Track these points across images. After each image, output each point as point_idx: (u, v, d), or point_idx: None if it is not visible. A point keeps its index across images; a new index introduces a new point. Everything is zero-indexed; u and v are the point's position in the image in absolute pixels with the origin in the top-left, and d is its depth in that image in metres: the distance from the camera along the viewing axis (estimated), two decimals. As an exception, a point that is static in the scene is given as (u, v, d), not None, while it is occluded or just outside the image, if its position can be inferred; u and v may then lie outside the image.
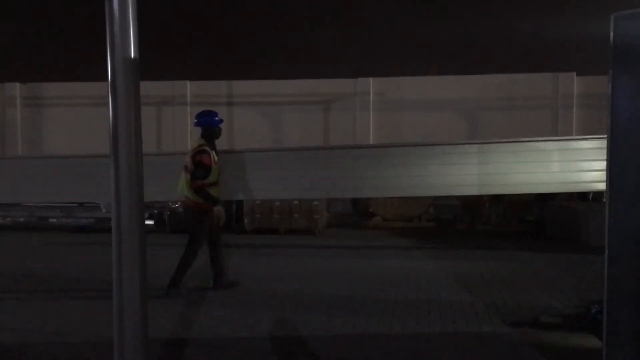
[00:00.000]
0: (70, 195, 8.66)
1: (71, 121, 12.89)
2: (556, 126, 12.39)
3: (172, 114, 12.84)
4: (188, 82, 12.77)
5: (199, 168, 6.24)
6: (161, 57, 9.16)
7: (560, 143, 7.79)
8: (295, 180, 7.68)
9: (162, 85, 12.08)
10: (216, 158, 6.45)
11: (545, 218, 10.88)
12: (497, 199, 11.43)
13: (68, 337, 4.99)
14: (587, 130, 10.22)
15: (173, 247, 9.28)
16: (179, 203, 7.72)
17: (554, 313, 5.34)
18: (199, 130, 6.69)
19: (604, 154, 2.63)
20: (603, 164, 2.63)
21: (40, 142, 13.30)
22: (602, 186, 3.90)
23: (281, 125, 12.82)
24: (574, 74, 11.37)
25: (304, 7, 7.08)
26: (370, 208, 11.68)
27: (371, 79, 12.44)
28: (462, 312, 5.51)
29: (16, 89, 13.22)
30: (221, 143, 12.15)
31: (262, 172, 7.78)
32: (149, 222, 9.97)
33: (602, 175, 2.73)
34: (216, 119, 6.62)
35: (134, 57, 3.14)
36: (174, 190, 6.70)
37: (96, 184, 8.07)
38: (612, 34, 2.53)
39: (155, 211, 10.77)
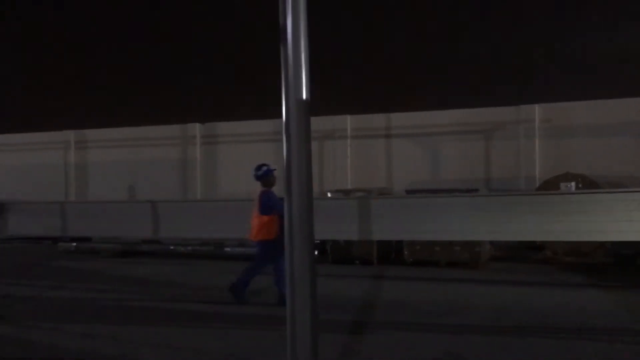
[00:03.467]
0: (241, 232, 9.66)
1: (242, 156, 13.96)
2: None
3: (333, 148, 13.34)
4: (348, 116, 13.21)
5: None
6: (325, 94, 9.66)
7: None
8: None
9: (323, 119, 12.65)
10: None
11: None
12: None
13: None
14: None
15: (334, 277, 9.61)
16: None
17: None
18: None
19: None
20: None
21: (216, 177, 14.57)
22: None
23: (440, 156, 12.68)
24: None
25: (461, 37, 7.04)
26: (538, 241, 10.99)
27: (537, 105, 11.86)
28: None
29: (196, 128, 14.70)
30: (379, 175, 12.33)
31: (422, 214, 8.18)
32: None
33: None
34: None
35: (306, 98, 3.38)
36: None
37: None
38: None
39: (318, 241, 11.18)
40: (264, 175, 7.62)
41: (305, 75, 3.37)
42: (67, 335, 6.33)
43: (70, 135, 15.87)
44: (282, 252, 3.56)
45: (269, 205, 7.41)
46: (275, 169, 7.61)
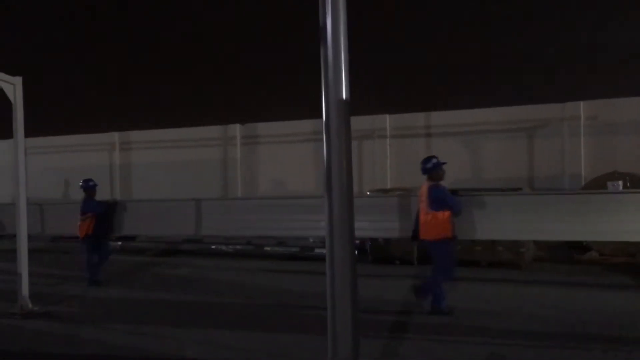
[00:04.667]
0: (284, 230, 9.94)
1: (280, 156, 14.07)
2: None
3: (373, 147, 13.29)
4: (387, 116, 13.15)
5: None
6: (364, 94, 9.65)
7: None
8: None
9: (363, 119, 12.62)
10: None
11: None
12: None
13: (281, 357, 5.39)
14: None
15: (373, 276, 9.57)
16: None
17: None
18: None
19: None
20: None
21: (256, 176, 14.73)
22: None
23: (481, 155, 12.48)
24: None
25: (502, 35, 6.92)
26: (584, 242, 10.69)
27: (582, 102, 11.54)
28: None
29: (236, 129, 14.89)
30: (419, 172, 12.27)
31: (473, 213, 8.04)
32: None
33: None
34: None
35: (346, 97, 3.38)
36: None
37: (304, 220, 9.00)
38: None
39: (357, 241, 11.16)
40: (433, 168, 7.09)
41: (345, 74, 3.38)
42: (118, 333, 6.51)
43: (114, 137, 16.30)
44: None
45: (441, 198, 6.92)
46: (445, 162, 7.22)
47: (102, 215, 9.75)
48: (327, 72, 3.37)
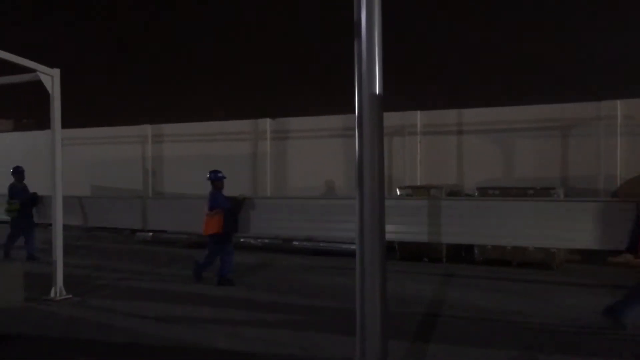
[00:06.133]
0: (312, 230, 10.24)
1: (310, 151, 14.08)
2: None
3: (403, 144, 13.20)
4: (418, 112, 13.04)
5: None
6: (396, 89, 9.59)
7: None
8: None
9: (393, 115, 12.53)
10: None
11: None
12: None
13: (309, 350, 5.42)
14: None
15: (402, 273, 9.53)
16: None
17: None
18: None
19: None
20: None
21: (285, 171, 14.79)
22: None
23: (514, 153, 12.28)
24: None
25: (535, 33, 6.79)
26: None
27: (619, 101, 11.25)
28: None
29: (266, 124, 14.95)
30: (450, 172, 12.09)
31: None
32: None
33: None
34: None
35: (379, 93, 3.37)
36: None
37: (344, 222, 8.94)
38: None
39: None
40: None
41: (379, 69, 3.37)
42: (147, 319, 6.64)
43: (147, 130, 16.54)
44: None
45: None
46: None
47: (230, 211, 8.92)
48: (361, 66, 3.37)
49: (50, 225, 7.94)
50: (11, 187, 11.33)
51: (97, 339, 5.90)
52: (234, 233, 9.33)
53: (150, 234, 13.82)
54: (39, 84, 7.61)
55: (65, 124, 7.98)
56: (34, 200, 11.92)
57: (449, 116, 12.82)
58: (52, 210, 7.80)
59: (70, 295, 7.68)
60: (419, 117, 13.07)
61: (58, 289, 7.60)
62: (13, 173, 11.42)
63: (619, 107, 11.29)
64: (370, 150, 3.43)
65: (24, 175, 11.55)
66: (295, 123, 14.66)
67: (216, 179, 8.91)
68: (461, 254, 11.17)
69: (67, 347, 5.70)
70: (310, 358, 5.19)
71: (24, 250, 11.11)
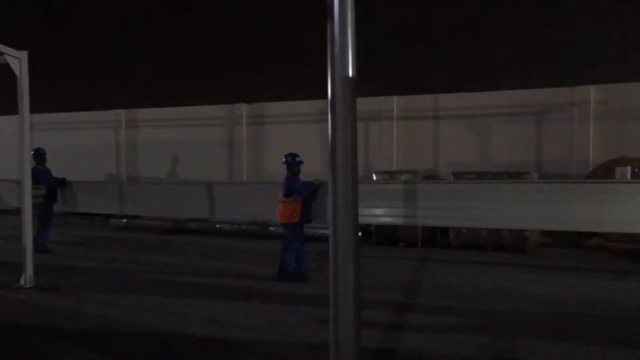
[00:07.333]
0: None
1: (287, 136, 13.99)
2: None
3: (379, 129, 13.20)
4: (395, 97, 13.03)
5: None
6: (372, 74, 9.55)
7: None
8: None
9: (369, 100, 12.51)
10: None
11: None
12: None
13: (287, 337, 5.41)
14: None
15: (378, 258, 9.58)
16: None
17: None
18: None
19: None
20: None
21: (261, 156, 14.69)
22: None
23: (490, 138, 12.37)
24: None
25: (510, 16, 6.80)
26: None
27: (592, 87, 11.38)
28: None
29: (243, 109, 14.81)
30: (426, 157, 12.14)
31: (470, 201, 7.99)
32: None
33: None
34: None
35: (352, 75, 3.32)
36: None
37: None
38: None
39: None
40: None
41: (352, 51, 3.32)
42: (119, 307, 6.55)
43: (121, 114, 16.27)
44: None
45: None
46: None
47: (307, 198, 8.09)
48: (334, 48, 3.31)
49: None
50: (34, 172, 9.48)
51: (67, 326, 5.79)
52: (307, 222, 8.28)
53: (125, 220, 13.65)
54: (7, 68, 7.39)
55: (35, 109, 7.78)
56: (62, 185, 11.16)
57: (426, 101, 12.85)
58: (21, 197, 7.61)
59: (39, 283, 7.54)
60: (395, 102, 13.07)
61: (28, 277, 7.45)
62: (34, 156, 10.12)
63: (592, 92, 11.43)
64: (343, 134, 3.38)
65: (46, 157, 10.65)
66: (271, 108, 14.55)
67: (293, 163, 8.07)
68: (436, 238, 11.26)
69: (34, 334, 5.57)
70: (284, 342, 5.19)
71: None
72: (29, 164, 7.75)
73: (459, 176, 10.50)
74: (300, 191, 7.93)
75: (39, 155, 10.52)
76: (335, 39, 3.31)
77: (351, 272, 3.39)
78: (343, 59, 3.31)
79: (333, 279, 3.41)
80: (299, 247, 7.96)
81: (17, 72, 7.38)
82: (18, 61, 7.37)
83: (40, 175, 10.21)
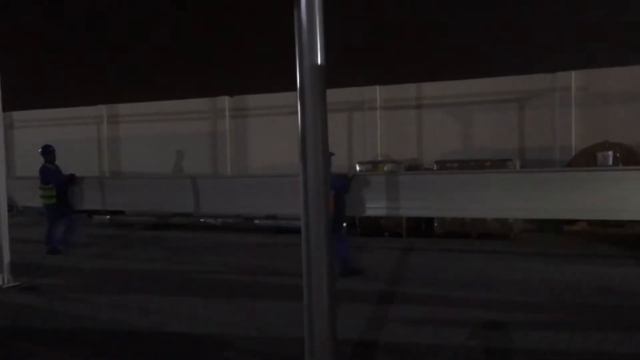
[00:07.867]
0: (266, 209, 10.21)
1: (270, 129, 13.89)
2: None
3: (363, 119, 13.15)
4: (377, 87, 12.96)
5: None
6: (348, 65, 9.45)
7: None
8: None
9: (352, 91, 12.43)
10: None
11: None
12: None
13: (266, 332, 5.36)
14: None
15: (362, 249, 9.54)
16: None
17: None
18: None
19: None
20: None
21: (245, 149, 14.58)
22: None
23: (472, 126, 12.36)
24: None
25: (490, 2, 6.74)
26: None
27: (573, 72, 11.38)
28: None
29: (225, 101, 14.67)
30: (410, 146, 12.13)
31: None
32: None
33: None
34: None
35: (321, 63, 3.25)
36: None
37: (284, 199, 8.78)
38: None
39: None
40: None
41: (320, 38, 3.24)
42: (98, 306, 6.45)
43: (102, 110, 16.06)
44: None
45: None
46: None
47: (340, 192, 7.58)
48: (301, 35, 3.23)
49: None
50: (43, 170, 9.73)
51: (43, 326, 5.68)
52: (342, 216, 7.76)
53: (108, 216, 13.51)
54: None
55: (12, 107, 7.62)
56: (72, 182, 10.68)
57: (408, 91, 12.79)
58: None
59: (19, 283, 7.41)
60: (378, 92, 13.00)
61: (5, 276, 7.31)
62: (43, 153, 9.84)
63: (573, 78, 11.43)
64: (312, 123, 3.32)
65: (55, 155, 10.04)
66: (254, 100, 14.42)
67: None
68: (421, 227, 11.25)
69: (7, 334, 5.46)
70: (262, 337, 5.14)
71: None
72: (3, 163, 7.55)
73: (442, 165, 10.48)
74: (334, 185, 7.01)
75: (48, 152, 9.96)
76: (302, 26, 3.24)
77: (324, 262, 3.34)
78: (311, 46, 3.24)
79: (306, 270, 3.36)
80: (336, 244, 6.78)
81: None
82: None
83: (49, 173, 9.83)
